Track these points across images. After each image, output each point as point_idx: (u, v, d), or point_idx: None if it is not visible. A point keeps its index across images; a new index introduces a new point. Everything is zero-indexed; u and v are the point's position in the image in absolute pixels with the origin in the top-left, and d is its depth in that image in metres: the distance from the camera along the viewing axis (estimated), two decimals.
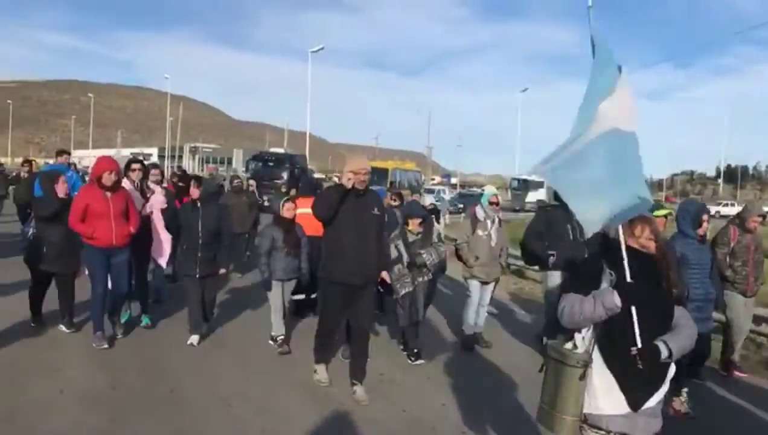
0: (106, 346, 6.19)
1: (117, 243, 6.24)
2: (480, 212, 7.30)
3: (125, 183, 6.83)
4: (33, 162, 16.24)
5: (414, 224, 6.74)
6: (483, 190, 7.98)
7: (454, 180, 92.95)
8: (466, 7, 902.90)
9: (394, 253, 6.48)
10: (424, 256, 6.59)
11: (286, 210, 6.82)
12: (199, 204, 6.74)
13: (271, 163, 31.19)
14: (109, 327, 6.58)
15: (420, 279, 6.61)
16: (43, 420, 4.44)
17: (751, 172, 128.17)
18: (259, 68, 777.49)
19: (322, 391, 5.60)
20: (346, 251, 5.22)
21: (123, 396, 5.07)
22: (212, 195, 7.19)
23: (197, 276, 6.65)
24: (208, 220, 6.65)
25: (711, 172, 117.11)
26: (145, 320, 7.22)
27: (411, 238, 6.70)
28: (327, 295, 5.49)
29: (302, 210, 7.10)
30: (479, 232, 7.19)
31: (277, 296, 6.73)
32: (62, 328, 6.69)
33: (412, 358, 6.67)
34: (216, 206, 7.05)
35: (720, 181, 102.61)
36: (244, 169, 39.46)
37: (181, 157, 72.54)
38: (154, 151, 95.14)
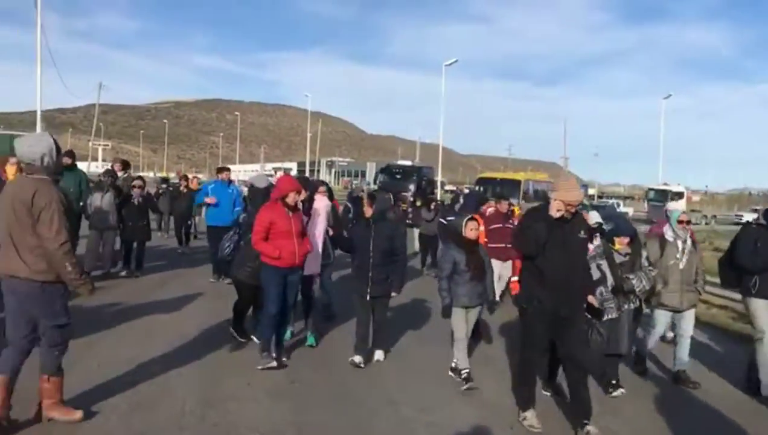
0: (274, 364, 6.01)
1: (298, 263, 6.18)
2: (669, 233, 6.62)
3: (319, 200, 7.11)
4: (189, 177, 17.55)
5: (621, 243, 6.07)
6: (670, 209, 6.92)
7: (591, 191, 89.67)
8: (606, 11, 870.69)
9: (596, 274, 5.82)
10: (634, 281, 5.93)
11: (470, 230, 6.22)
12: (372, 222, 6.53)
13: (398, 176, 31.45)
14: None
15: (626, 306, 5.96)
16: (239, 408, 5.05)
17: None
18: (392, 82, 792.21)
19: (494, 404, 5.54)
20: (553, 281, 4.86)
21: (301, 390, 5.55)
22: (385, 212, 6.88)
23: (368, 297, 6.43)
24: (380, 240, 6.40)
25: None
26: (309, 340, 6.99)
27: (618, 258, 6.03)
28: (532, 326, 5.10)
29: None
30: (668, 254, 6.49)
31: (460, 324, 6.10)
32: (253, 338, 6.72)
33: (610, 390, 5.95)
34: (389, 225, 6.75)
35: None
36: (372, 181, 40.22)
37: (318, 170, 75.58)
38: (293, 166, 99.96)
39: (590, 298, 5.36)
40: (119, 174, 10.62)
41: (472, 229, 6.22)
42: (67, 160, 8.37)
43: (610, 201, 41.90)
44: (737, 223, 45.30)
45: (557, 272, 4.84)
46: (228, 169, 11.27)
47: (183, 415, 4.77)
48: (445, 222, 10.85)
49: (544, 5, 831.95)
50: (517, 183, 24.51)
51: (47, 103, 28.35)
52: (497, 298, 9.26)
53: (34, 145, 4.19)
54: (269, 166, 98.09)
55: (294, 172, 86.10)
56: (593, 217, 8.93)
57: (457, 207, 11.23)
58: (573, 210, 4.86)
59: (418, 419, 5.07)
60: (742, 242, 6.34)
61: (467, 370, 5.96)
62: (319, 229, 7.13)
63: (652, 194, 48.11)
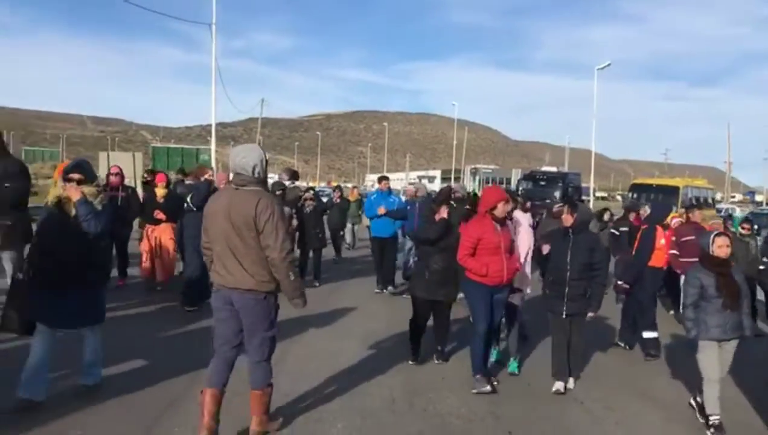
0: (488, 389, 5.65)
1: (506, 280, 5.76)
2: None
3: (520, 216, 6.67)
4: (341, 187, 18.08)
5: None
6: None
7: (759, 197, 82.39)
8: None
9: None
10: None
11: (718, 247, 5.24)
12: (571, 233, 5.92)
13: (542, 183, 30.22)
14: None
15: None
16: (439, 397, 5.52)
17: None
18: (538, 87, 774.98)
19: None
20: None
21: (499, 388, 5.81)
22: (587, 223, 6.29)
23: (564, 315, 5.91)
24: (579, 252, 5.81)
25: None
26: (512, 367, 6.37)
27: None
28: None
29: None
30: None
31: (712, 362, 5.13)
32: (434, 360, 6.52)
33: None
34: (590, 236, 6.16)
35: None
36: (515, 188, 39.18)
37: (461, 178, 75.61)
38: (437, 174, 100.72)
39: None
40: (286, 183, 10.64)
41: (721, 246, 5.22)
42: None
43: (724, 206, 38.19)
44: None
45: None
46: (387, 179, 11.05)
47: (393, 401, 5.32)
48: (617, 232, 10.25)
49: (700, 1, 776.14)
50: (675, 190, 22.98)
51: (209, 119, 30.71)
52: None
53: (246, 156, 4.16)
54: (413, 174, 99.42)
55: (438, 181, 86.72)
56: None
57: (631, 216, 10.35)
58: None
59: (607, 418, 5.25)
60: None
61: (717, 418, 5.04)
62: (524, 244, 6.67)
63: None
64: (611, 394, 5.91)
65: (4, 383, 4.69)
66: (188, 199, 8.09)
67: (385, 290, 10.31)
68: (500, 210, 5.65)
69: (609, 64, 40.81)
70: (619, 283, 7.59)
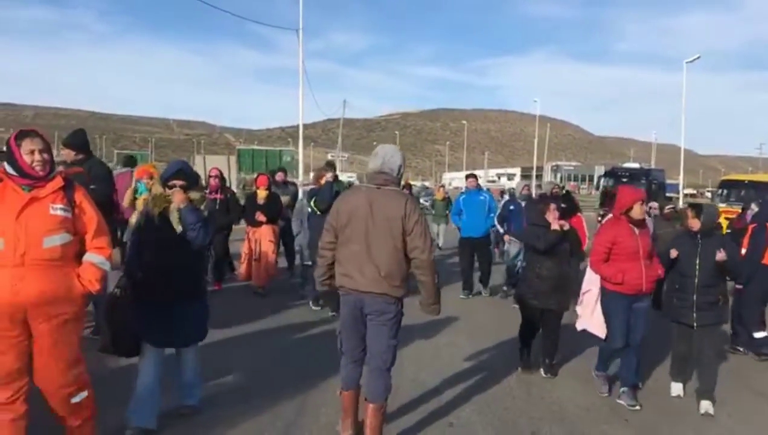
0: (606, 394, 5.48)
1: (646, 289, 5.31)
2: None
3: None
4: (411, 185, 18.15)
5: None
6: None
7: None
8: None
9: None
10: None
11: None
12: (698, 236, 5.50)
13: (624, 179, 29.23)
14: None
15: None
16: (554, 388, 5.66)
17: None
18: (622, 81, 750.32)
19: None
20: None
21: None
22: (714, 226, 5.89)
23: (694, 326, 5.44)
24: (709, 257, 5.39)
25: None
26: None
27: None
28: None
29: None
30: None
31: None
32: (541, 372, 6.05)
33: None
34: (719, 239, 5.71)
35: None
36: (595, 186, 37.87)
37: (540, 175, 74.52)
38: (517, 171, 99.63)
39: None
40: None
41: None
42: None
43: None
44: None
45: None
46: (475, 176, 10.52)
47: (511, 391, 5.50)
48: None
49: None
50: None
51: (288, 120, 31.30)
52: None
53: (394, 155, 4.14)
54: (492, 171, 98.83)
55: (518, 178, 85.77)
56: None
57: (748, 215, 9.04)
58: None
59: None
60: None
61: None
62: None
63: None
64: (724, 391, 5.64)
65: (112, 403, 4.19)
66: (312, 203, 7.93)
67: (483, 293, 9.96)
68: (637, 211, 5.25)
69: (698, 57, 39.25)
70: (737, 286, 7.26)
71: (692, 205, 5.83)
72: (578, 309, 6.08)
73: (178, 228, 4.16)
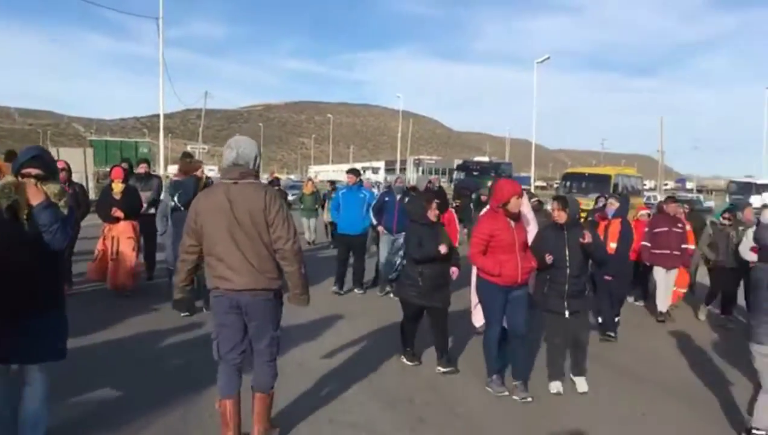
0: (505, 393, 5.47)
1: (521, 280, 5.44)
2: None
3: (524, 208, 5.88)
4: (279, 179, 17.93)
5: None
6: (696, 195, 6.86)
7: (689, 184, 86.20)
8: None
9: None
10: None
11: None
12: (565, 229, 5.69)
13: (475, 173, 30.89)
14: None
15: None
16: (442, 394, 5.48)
17: None
18: (480, 79, 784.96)
19: None
20: None
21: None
22: (577, 218, 6.05)
23: (566, 314, 5.61)
24: (576, 247, 5.61)
25: None
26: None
27: None
28: None
29: None
30: None
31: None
32: (439, 368, 6.02)
33: None
34: (582, 230, 5.83)
35: None
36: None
37: (405, 169, 76.47)
38: (381, 165, 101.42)
39: None
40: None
41: None
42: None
43: (690, 195, 40.55)
44: None
45: None
46: (357, 172, 10.25)
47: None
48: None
49: None
50: (607, 178, 23.89)
51: (143, 110, 30.02)
52: (664, 310, 8.89)
53: (248, 147, 3.99)
54: (357, 165, 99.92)
55: (382, 172, 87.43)
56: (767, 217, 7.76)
57: (610, 209, 8.46)
58: None
59: None
60: None
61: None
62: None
63: (733, 187, 45.90)
64: (597, 374, 6.06)
65: None
66: (174, 198, 7.59)
67: (356, 291, 9.77)
68: (514, 205, 5.29)
69: (548, 58, 42.02)
70: (605, 277, 7.63)
71: (558, 198, 5.99)
72: (473, 307, 6.11)
73: (33, 226, 3.52)
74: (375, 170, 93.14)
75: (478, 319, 6.08)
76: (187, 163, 8.22)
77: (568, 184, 24.97)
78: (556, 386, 5.63)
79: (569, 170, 28.58)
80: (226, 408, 3.99)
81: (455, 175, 32.10)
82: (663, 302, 8.82)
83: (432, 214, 6.06)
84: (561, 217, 5.68)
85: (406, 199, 9.06)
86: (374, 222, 9.72)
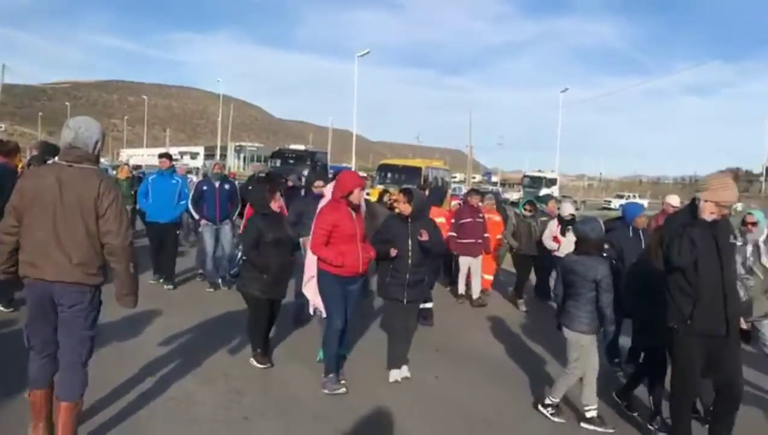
0: (344, 390, 5.41)
1: (362, 270, 5.50)
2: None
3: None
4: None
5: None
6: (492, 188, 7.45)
7: (495, 178, 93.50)
8: (508, 2, 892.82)
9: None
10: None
11: None
12: (409, 220, 5.82)
13: (291, 160, 31.51)
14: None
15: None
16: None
17: None
18: (303, 67, 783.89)
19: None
20: (707, 296, 4.19)
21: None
22: (424, 210, 6.21)
23: (405, 302, 5.81)
24: (417, 239, 5.71)
25: (759, 169, 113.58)
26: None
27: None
28: (684, 350, 4.33)
29: (436, 219, 6.90)
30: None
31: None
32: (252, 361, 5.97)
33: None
34: (428, 222, 6.02)
35: (762, 178, 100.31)
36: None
37: (225, 155, 74.93)
38: (200, 150, 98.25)
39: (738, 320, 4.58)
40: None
41: None
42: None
43: (492, 188, 44.99)
44: (605, 208, 49.07)
45: (711, 285, 4.18)
46: (169, 156, 9.63)
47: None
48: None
49: None
50: (418, 170, 25.76)
51: None
52: (476, 295, 9.45)
53: (89, 128, 3.71)
54: (175, 150, 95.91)
55: (201, 157, 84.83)
56: (567, 208, 9.15)
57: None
58: (726, 211, 4.29)
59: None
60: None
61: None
62: None
63: (527, 181, 51.01)
64: (425, 356, 6.52)
65: None
66: None
67: (168, 286, 9.10)
68: (356, 196, 5.37)
69: (369, 52, 43.38)
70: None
71: (404, 191, 6.06)
72: (306, 292, 5.99)
73: None
74: (194, 156, 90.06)
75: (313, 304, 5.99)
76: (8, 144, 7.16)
77: (383, 174, 26.47)
78: (396, 374, 5.84)
79: (384, 162, 30.13)
80: (35, 400, 3.77)
81: (269, 163, 32.31)
82: (475, 289, 9.48)
83: (275, 204, 6.11)
84: (406, 209, 5.84)
85: (249, 187, 9.06)
86: (195, 216, 9.45)
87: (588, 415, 5.09)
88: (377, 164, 29.89)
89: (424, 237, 5.67)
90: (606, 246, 5.85)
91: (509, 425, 5.15)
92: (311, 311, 6.00)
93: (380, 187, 20.26)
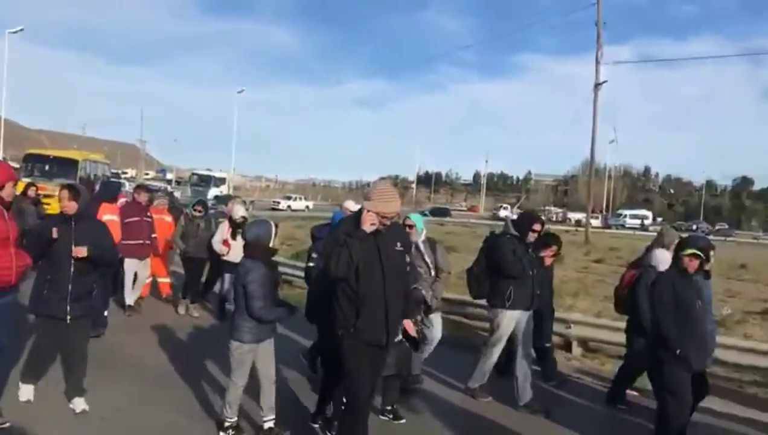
0: (7, 424, 4.65)
1: (15, 280, 4.53)
2: None
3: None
4: None
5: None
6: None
7: (170, 175, 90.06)
8: None
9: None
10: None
11: None
12: (73, 220, 4.98)
13: None
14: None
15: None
16: None
17: (444, 178, 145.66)
18: None
19: None
20: (370, 305, 4.24)
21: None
22: (88, 209, 5.54)
23: (68, 319, 5.00)
24: (85, 243, 4.91)
25: (413, 177, 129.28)
26: None
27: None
28: (351, 356, 4.32)
29: (108, 216, 6.82)
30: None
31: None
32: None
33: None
34: (95, 223, 5.39)
35: (413, 185, 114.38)
36: None
37: None
38: None
39: (407, 325, 4.56)
40: None
41: None
42: None
43: (162, 186, 43.70)
44: (274, 209, 51.34)
45: (374, 295, 4.21)
46: None
47: None
48: None
49: None
50: (74, 162, 22.96)
51: None
52: (131, 304, 8.81)
53: None
54: None
55: None
56: (238, 211, 8.76)
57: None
58: (388, 222, 4.28)
59: None
60: (506, 252, 6.16)
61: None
62: None
63: (195, 179, 50.85)
64: None
65: None
66: None
67: None
68: (8, 191, 4.46)
69: (22, 29, 39.03)
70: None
71: (68, 187, 5.17)
72: None
73: None
74: None
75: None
76: None
77: (29, 166, 23.07)
78: (27, 392, 5.14)
79: (31, 151, 26.18)
80: None
81: None
82: (130, 295, 8.79)
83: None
84: (71, 207, 4.95)
85: None
86: None
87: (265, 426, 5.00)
88: None
89: (80, 253, 4.85)
90: (314, 255, 6.11)
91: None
92: None
93: (27, 180, 17.51)
